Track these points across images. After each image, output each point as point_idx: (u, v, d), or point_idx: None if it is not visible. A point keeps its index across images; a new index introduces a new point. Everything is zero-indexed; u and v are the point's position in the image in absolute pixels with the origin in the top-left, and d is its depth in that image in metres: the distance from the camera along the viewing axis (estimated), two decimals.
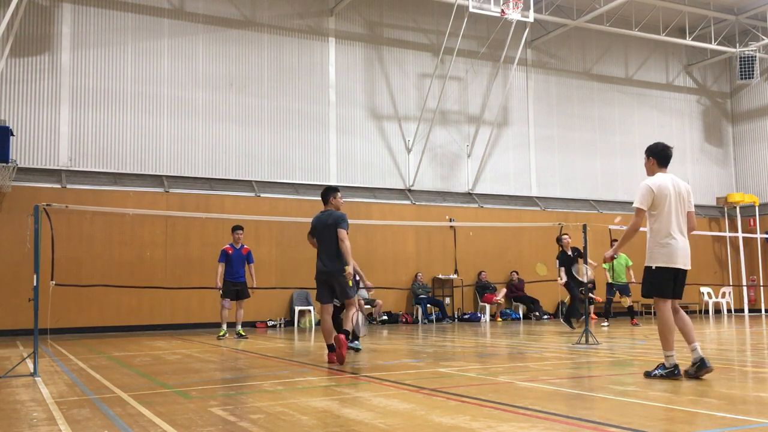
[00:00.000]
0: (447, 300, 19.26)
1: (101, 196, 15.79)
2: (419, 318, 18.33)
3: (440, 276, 19.15)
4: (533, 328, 15.96)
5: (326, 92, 18.80)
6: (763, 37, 21.98)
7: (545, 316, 19.69)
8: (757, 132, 24.00)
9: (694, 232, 6.94)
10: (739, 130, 24.67)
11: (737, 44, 22.61)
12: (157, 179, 16.70)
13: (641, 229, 6.75)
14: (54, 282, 8.18)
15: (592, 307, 18.63)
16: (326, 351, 8.52)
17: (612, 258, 7.34)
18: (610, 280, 15.53)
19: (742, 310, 22.81)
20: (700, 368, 6.36)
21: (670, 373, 6.46)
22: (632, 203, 6.79)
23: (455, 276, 19.13)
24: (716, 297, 22.45)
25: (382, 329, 15.97)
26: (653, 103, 23.61)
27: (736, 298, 23.13)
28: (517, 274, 19.59)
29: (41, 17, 16.06)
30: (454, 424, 4.52)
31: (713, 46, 22.22)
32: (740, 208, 23.50)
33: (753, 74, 22.09)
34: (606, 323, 15.81)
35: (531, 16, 18.58)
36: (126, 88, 16.64)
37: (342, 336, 8.17)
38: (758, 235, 21.88)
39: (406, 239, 18.95)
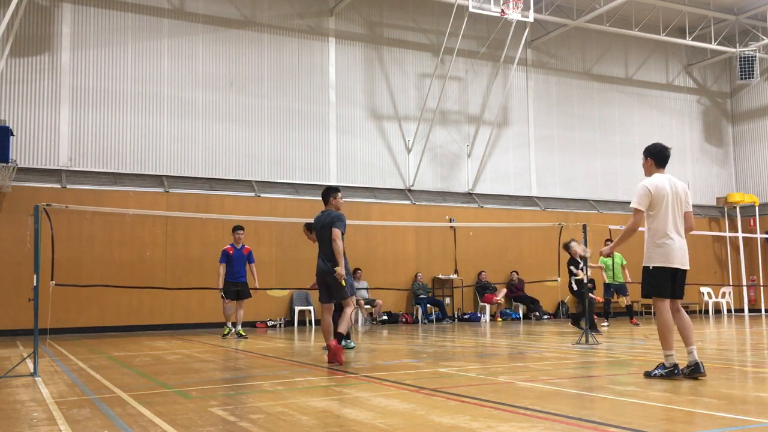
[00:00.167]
0: (447, 300, 19.26)
1: (101, 196, 15.79)
2: (419, 318, 18.33)
3: (440, 276, 19.15)
4: (533, 328, 15.96)
5: (326, 92, 18.80)
6: (763, 37, 21.98)
7: (545, 316, 19.69)
8: (757, 132, 24.01)
9: (693, 232, 6.96)
10: (739, 130, 24.67)
11: (737, 44, 22.61)
12: (157, 179, 16.70)
13: (640, 228, 6.78)
14: (54, 282, 8.19)
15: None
16: (326, 351, 8.52)
17: (609, 254, 7.38)
18: (607, 281, 15.53)
19: (742, 310, 22.81)
20: (693, 372, 6.38)
21: (670, 372, 6.47)
22: (631, 203, 6.81)
23: (455, 276, 19.12)
24: (716, 297, 22.45)
25: (382, 329, 15.97)
26: (653, 103, 23.62)
27: (736, 298, 23.13)
28: (517, 274, 19.59)
29: (41, 17, 16.06)
30: (454, 424, 4.52)
31: (713, 46, 22.22)
32: (740, 208, 23.50)
33: (753, 74, 22.09)
34: (606, 323, 15.81)
35: (531, 16, 18.58)
36: (126, 88, 16.64)
37: (332, 343, 8.17)
38: (758, 235, 21.88)
39: (406, 239, 18.95)
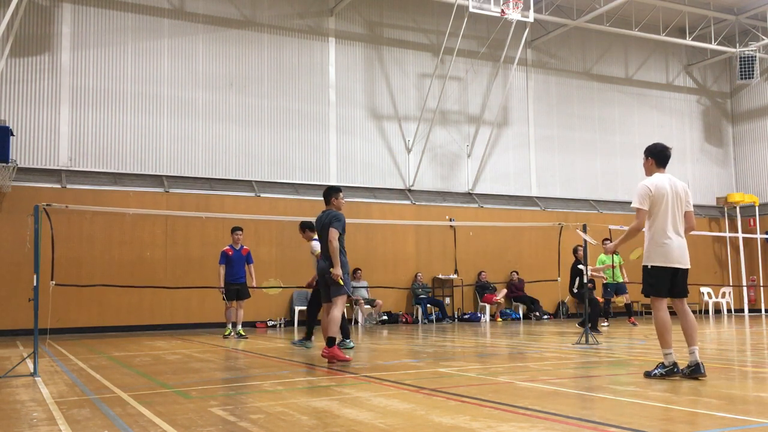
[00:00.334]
0: (447, 300, 19.26)
1: (101, 196, 15.79)
2: (419, 318, 18.33)
3: (440, 276, 19.15)
4: (533, 328, 15.96)
5: (326, 92, 18.80)
6: (763, 37, 21.98)
7: (545, 316, 19.69)
8: (757, 132, 24.00)
9: (693, 232, 6.97)
10: (739, 130, 24.67)
11: (737, 44, 22.61)
12: (157, 179, 16.70)
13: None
14: (54, 282, 8.18)
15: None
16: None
17: (614, 250, 7.40)
18: (606, 280, 15.50)
19: (742, 310, 22.81)
20: (694, 372, 6.39)
21: (670, 371, 6.50)
22: (632, 203, 6.82)
23: (455, 276, 19.12)
24: (716, 297, 22.44)
25: (382, 329, 15.97)
26: (653, 103, 23.61)
27: (736, 298, 23.12)
28: (517, 274, 19.58)
29: (41, 17, 16.06)
30: (454, 424, 4.52)
31: (713, 46, 22.22)
32: (740, 208, 23.50)
33: (753, 74, 22.09)
34: (606, 323, 15.81)
35: (531, 16, 18.58)
36: (126, 88, 16.64)
37: (325, 353, 8.17)
38: (758, 235, 21.87)
39: (406, 239, 18.95)
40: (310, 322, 10.89)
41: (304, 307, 17.05)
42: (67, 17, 16.25)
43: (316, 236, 10.80)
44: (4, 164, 14.45)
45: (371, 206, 18.56)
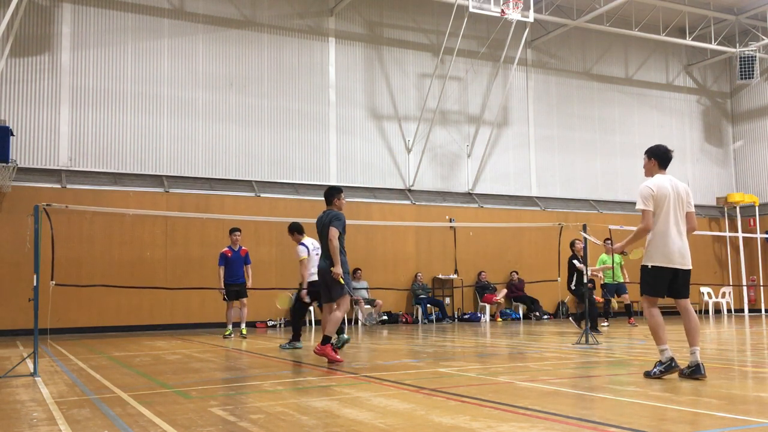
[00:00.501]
0: (447, 300, 19.26)
1: (101, 196, 15.79)
2: (419, 318, 18.33)
3: (440, 276, 19.15)
4: (533, 328, 15.96)
5: (326, 92, 18.80)
6: (763, 37, 21.98)
7: (545, 316, 19.69)
8: (757, 132, 24.01)
9: (696, 232, 6.99)
10: (739, 130, 24.67)
11: (737, 44, 22.61)
12: (157, 179, 16.70)
13: (633, 228, 6.84)
14: (54, 282, 8.18)
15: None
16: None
17: (622, 249, 7.44)
18: (606, 280, 15.49)
19: (742, 310, 22.80)
20: (694, 373, 6.40)
21: (668, 366, 6.54)
22: (632, 203, 6.86)
23: (455, 276, 19.12)
24: (716, 297, 22.44)
25: (382, 329, 15.97)
26: (653, 103, 23.61)
27: (736, 298, 23.12)
28: (517, 274, 19.58)
29: (41, 17, 16.06)
30: (454, 424, 4.52)
31: (713, 46, 22.22)
32: (740, 208, 23.51)
33: (753, 74, 22.09)
34: (606, 323, 15.81)
35: (531, 16, 18.58)
36: (126, 88, 16.64)
37: (319, 348, 8.16)
38: (758, 235, 21.88)
39: (406, 239, 18.95)
40: (296, 323, 10.95)
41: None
42: (67, 17, 16.25)
43: (303, 239, 10.87)
44: (4, 164, 14.45)
45: (371, 206, 18.56)
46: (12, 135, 14.95)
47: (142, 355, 9.89)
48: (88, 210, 14.66)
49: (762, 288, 22.83)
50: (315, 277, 10.69)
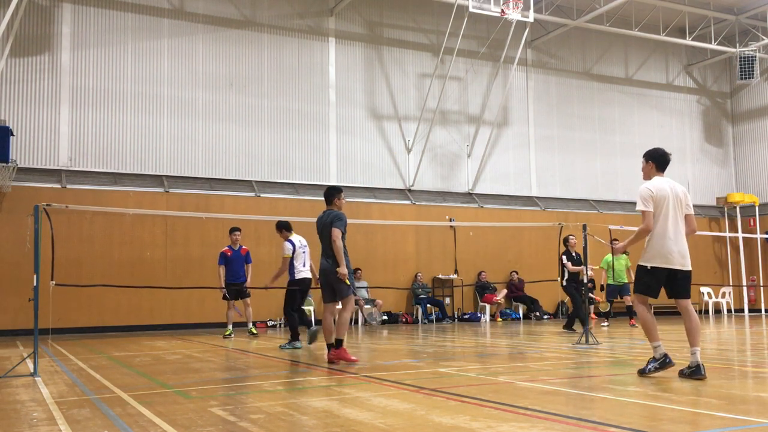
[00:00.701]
0: (447, 300, 19.26)
1: (101, 196, 15.80)
2: (419, 318, 18.33)
3: (440, 276, 19.15)
4: (533, 328, 15.95)
5: (326, 92, 18.80)
6: (763, 37, 21.98)
7: (545, 316, 19.69)
8: (757, 132, 24.01)
9: (696, 233, 7.05)
10: (739, 130, 24.67)
11: (737, 44, 22.61)
12: (157, 179, 16.70)
13: (633, 228, 6.91)
14: (54, 282, 8.18)
15: (592, 307, 18.67)
16: (326, 350, 8.52)
17: (623, 249, 7.52)
18: (609, 281, 15.49)
19: (742, 310, 22.81)
20: (694, 374, 6.43)
21: (662, 363, 6.60)
22: (633, 203, 6.93)
23: (455, 276, 19.12)
24: (716, 297, 22.44)
25: (382, 329, 15.97)
26: (653, 103, 23.62)
27: (736, 298, 23.12)
28: (517, 274, 19.58)
29: (41, 17, 16.06)
30: (454, 424, 4.52)
31: (713, 46, 22.22)
32: (740, 208, 23.51)
33: (753, 74, 22.09)
34: (606, 323, 15.83)
35: (531, 16, 18.58)
36: (126, 88, 16.64)
37: (333, 353, 8.20)
38: (758, 235, 21.88)
39: (406, 239, 18.95)
40: (292, 322, 10.98)
41: (304, 307, 17.11)
42: (67, 17, 16.25)
43: (291, 236, 11.02)
44: (4, 164, 14.45)
45: (371, 206, 18.57)
46: (12, 135, 14.95)
47: (142, 355, 9.90)
48: (88, 210, 14.68)
49: (762, 288, 22.83)
50: (303, 275, 10.90)
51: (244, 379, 7.42)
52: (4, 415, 5.17)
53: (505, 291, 19.55)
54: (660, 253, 6.65)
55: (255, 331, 13.64)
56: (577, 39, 22.25)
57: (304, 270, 11.09)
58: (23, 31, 15.75)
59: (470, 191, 20.26)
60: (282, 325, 17.20)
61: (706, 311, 21.96)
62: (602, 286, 15.63)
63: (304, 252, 11.13)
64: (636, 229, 7.02)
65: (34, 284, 7.51)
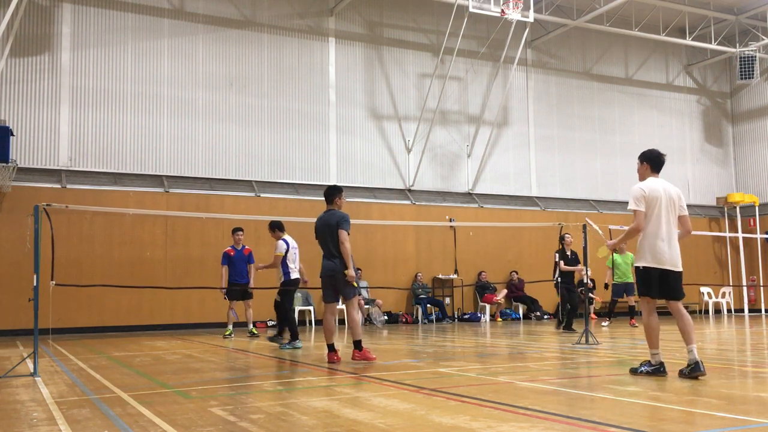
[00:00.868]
0: (447, 300, 19.26)
1: (101, 196, 15.79)
2: (419, 318, 18.33)
3: (440, 276, 19.14)
4: (533, 328, 15.95)
5: (326, 92, 18.80)
6: (763, 37, 21.98)
7: (545, 316, 19.67)
8: (757, 132, 24.00)
9: (694, 232, 7.10)
10: (739, 130, 24.67)
11: (737, 44, 22.61)
12: (157, 179, 16.70)
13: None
14: (54, 282, 8.18)
15: (592, 307, 18.68)
16: (326, 351, 8.53)
17: (614, 247, 7.59)
18: (615, 280, 15.44)
19: (742, 310, 22.80)
20: (693, 371, 6.45)
21: (656, 370, 6.66)
22: (628, 206, 6.98)
23: (455, 276, 19.12)
24: (716, 297, 22.44)
25: (382, 329, 15.96)
26: (653, 103, 23.61)
27: (736, 298, 23.12)
28: (517, 274, 19.58)
29: (41, 17, 16.06)
30: (454, 424, 4.52)
31: (713, 46, 22.22)
32: (740, 208, 23.50)
33: (753, 74, 22.09)
34: (606, 323, 15.82)
35: (531, 16, 18.58)
36: (126, 88, 16.64)
37: (357, 355, 8.23)
38: (758, 235, 21.88)
39: (406, 239, 18.95)
40: (290, 323, 11.05)
41: (304, 307, 17.16)
42: (67, 17, 16.25)
43: (285, 236, 11.16)
44: (4, 164, 14.44)
45: (371, 206, 18.56)
46: (12, 135, 14.94)
47: (142, 355, 9.90)
48: (88, 210, 14.67)
49: (762, 288, 22.82)
50: (296, 275, 11.07)
51: (244, 379, 7.42)
52: (4, 415, 5.17)
53: (505, 291, 19.55)
54: (651, 254, 6.73)
55: (255, 332, 13.65)
56: (577, 39, 22.24)
57: (296, 270, 11.24)
58: (23, 31, 15.75)
59: (470, 191, 20.26)
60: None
61: (706, 311, 21.96)
62: (606, 285, 15.63)
63: (295, 253, 11.26)
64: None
65: (34, 284, 7.51)
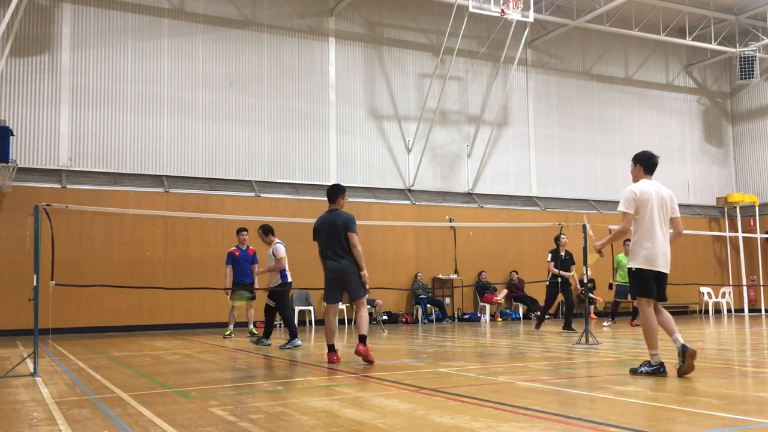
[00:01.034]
0: (447, 300, 19.26)
1: (101, 196, 15.79)
2: (419, 318, 18.33)
3: (440, 276, 19.14)
4: (533, 328, 15.94)
5: (326, 92, 18.80)
6: (763, 37, 21.98)
7: (546, 317, 19.64)
8: (757, 132, 24.00)
9: (690, 232, 7.16)
10: (739, 130, 24.66)
11: (737, 44, 22.60)
12: (157, 179, 16.70)
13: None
14: (54, 282, 8.18)
15: (592, 307, 18.68)
16: (326, 350, 8.53)
17: (601, 248, 7.69)
18: (619, 280, 15.40)
19: (742, 310, 22.80)
20: (684, 354, 6.50)
21: (656, 370, 6.68)
22: (618, 207, 7.03)
23: (455, 276, 19.12)
24: (716, 297, 22.44)
25: (381, 329, 15.96)
26: (653, 103, 23.61)
27: (736, 298, 23.12)
28: (517, 274, 19.58)
29: (41, 17, 16.06)
30: (454, 424, 4.52)
31: (713, 46, 22.22)
32: (740, 208, 23.50)
33: (753, 74, 22.08)
34: (607, 323, 15.83)
35: (531, 16, 18.58)
36: (126, 88, 16.64)
37: (361, 349, 8.21)
38: (758, 235, 21.88)
39: (406, 239, 18.94)
40: (289, 323, 11.12)
41: (304, 307, 17.17)
42: (67, 17, 16.25)
43: (278, 240, 11.24)
44: (4, 164, 14.44)
45: (371, 206, 18.56)
46: (12, 135, 14.94)
47: (142, 355, 9.90)
48: (88, 210, 14.66)
49: (762, 288, 22.82)
50: (291, 277, 11.20)
51: (244, 379, 7.42)
52: (4, 415, 5.17)
53: (505, 291, 19.55)
54: (644, 256, 6.78)
55: (256, 332, 13.64)
56: (577, 39, 22.24)
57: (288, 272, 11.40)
58: (23, 31, 15.75)
59: (470, 191, 20.26)
60: (281, 326, 17.18)
61: (706, 311, 21.96)
62: (610, 285, 15.63)
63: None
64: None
65: (34, 284, 7.51)
